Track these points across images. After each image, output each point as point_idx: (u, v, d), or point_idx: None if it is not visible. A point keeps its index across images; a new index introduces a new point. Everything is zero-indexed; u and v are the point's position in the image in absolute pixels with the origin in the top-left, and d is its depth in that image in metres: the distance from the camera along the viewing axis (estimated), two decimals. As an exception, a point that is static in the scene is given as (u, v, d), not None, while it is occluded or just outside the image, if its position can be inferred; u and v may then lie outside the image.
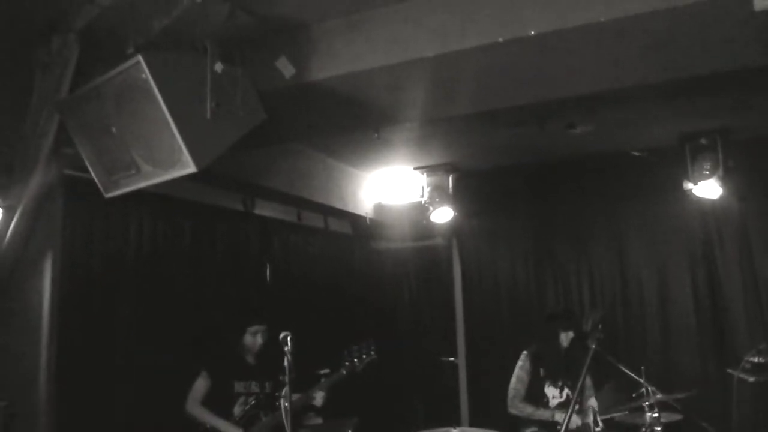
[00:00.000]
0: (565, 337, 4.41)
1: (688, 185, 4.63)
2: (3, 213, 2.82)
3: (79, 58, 2.57)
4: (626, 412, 4.03)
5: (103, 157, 2.70)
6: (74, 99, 2.61)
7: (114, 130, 2.55)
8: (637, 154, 4.99)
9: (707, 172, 4.47)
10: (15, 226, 2.92)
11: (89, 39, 2.51)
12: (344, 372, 3.85)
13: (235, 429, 3.68)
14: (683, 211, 5.12)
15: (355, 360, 3.89)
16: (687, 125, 4.53)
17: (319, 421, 4.84)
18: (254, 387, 3.89)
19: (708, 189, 4.59)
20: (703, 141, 4.56)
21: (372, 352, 3.96)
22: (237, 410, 3.79)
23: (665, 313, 5.34)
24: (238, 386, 3.83)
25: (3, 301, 3.10)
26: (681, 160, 4.66)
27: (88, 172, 2.83)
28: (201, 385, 3.75)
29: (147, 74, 2.29)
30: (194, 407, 3.72)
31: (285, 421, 3.24)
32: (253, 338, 3.89)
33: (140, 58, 2.27)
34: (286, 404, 3.22)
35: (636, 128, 4.57)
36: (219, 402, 3.76)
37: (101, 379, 3.54)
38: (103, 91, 2.48)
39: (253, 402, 3.84)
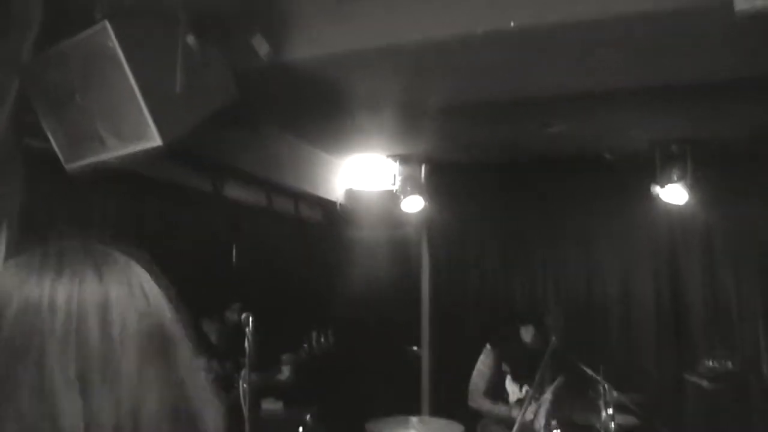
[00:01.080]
0: (526, 333, 4.45)
1: (656, 190, 4.69)
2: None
3: (43, 22, 2.47)
4: (581, 410, 4.09)
5: (66, 127, 2.60)
6: (36, 64, 2.50)
7: (78, 98, 2.46)
8: (608, 156, 5.04)
9: (675, 178, 4.53)
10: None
11: (54, 2, 2.41)
12: (303, 354, 3.86)
13: None
14: (650, 215, 5.19)
15: (314, 344, 3.90)
16: (659, 131, 4.57)
17: (278, 406, 4.82)
18: (215, 365, 3.85)
19: (675, 194, 4.65)
20: (674, 148, 4.62)
21: (330, 338, 3.96)
22: None
23: (627, 314, 5.43)
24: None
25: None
26: (651, 165, 4.71)
27: (49, 142, 2.74)
28: None
29: (114, 41, 2.21)
30: None
31: (242, 403, 3.21)
32: (235, 315, 3.85)
33: (107, 23, 2.18)
34: (245, 385, 3.19)
35: (609, 131, 4.61)
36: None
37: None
38: (67, 56, 2.38)
39: (212, 379, 3.81)
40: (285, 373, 3.85)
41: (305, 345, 3.92)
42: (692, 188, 4.60)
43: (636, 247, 5.43)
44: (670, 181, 4.57)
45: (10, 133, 2.79)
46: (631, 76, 2.89)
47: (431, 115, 4.12)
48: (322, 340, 3.97)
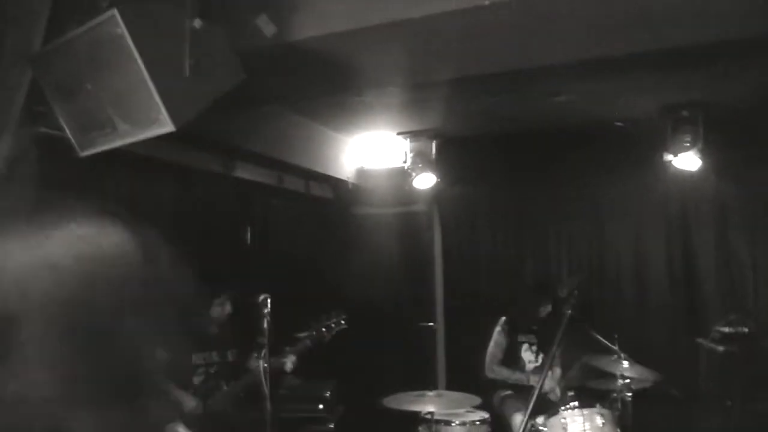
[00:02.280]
0: (544, 309, 4.51)
1: (668, 157, 4.66)
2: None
3: (51, 11, 2.48)
4: (597, 378, 4.13)
5: (78, 115, 2.63)
6: (47, 54, 2.52)
7: (89, 86, 2.48)
8: (618, 124, 5.00)
9: (687, 144, 4.50)
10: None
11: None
12: (309, 342, 3.83)
13: (190, 400, 3.66)
14: (662, 184, 5.16)
15: (323, 329, 3.88)
16: (669, 97, 4.53)
17: (297, 383, 4.90)
18: (214, 357, 3.86)
19: (687, 161, 4.62)
20: (685, 113, 4.57)
21: (342, 322, 3.94)
22: (196, 381, 3.78)
23: (640, 283, 5.44)
24: (196, 358, 3.81)
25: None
26: (662, 132, 4.68)
27: (63, 130, 2.77)
28: (160, 356, 3.73)
29: (122, 28, 2.22)
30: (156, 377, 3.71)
31: (263, 382, 3.27)
32: (221, 309, 3.84)
33: (115, 11, 2.19)
34: (265, 365, 3.25)
35: (618, 99, 4.57)
36: (179, 374, 3.73)
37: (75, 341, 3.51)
38: (76, 45, 2.40)
39: (212, 372, 3.82)
40: (288, 362, 3.80)
41: (314, 332, 3.90)
42: (704, 154, 4.57)
43: (648, 215, 5.42)
44: (682, 148, 4.54)
45: (24, 123, 2.83)
46: (639, 39, 2.85)
47: (440, 89, 4.10)
48: (333, 326, 3.95)
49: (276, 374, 3.85)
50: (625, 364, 3.96)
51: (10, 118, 2.77)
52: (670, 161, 4.66)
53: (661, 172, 4.84)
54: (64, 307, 0.84)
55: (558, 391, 4.21)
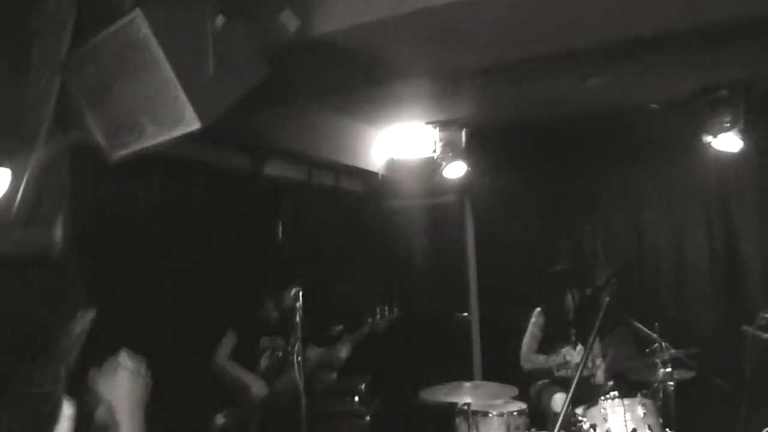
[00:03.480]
0: (572, 294, 4.45)
1: (707, 138, 4.52)
2: (12, 177, 2.80)
3: (76, 18, 2.51)
4: (638, 368, 4.05)
5: (107, 119, 2.65)
6: (73, 60, 2.55)
7: (116, 89, 2.50)
8: (654, 106, 4.86)
9: (727, 125, 4.35)
10: (24, 190, 2.92)
11: (86, -3, 2.45)
12: (367, 329, 3.95)
13: (257, 381, 3.82)
14: (701, 166, 5.01)
15: (378, 318, 3.98)
16: (706, 76, 4.38)
17: (333, 376, 4.92)
18: (279, 341, 3.99)
19: (727, 142, 4.47)
20: (724, 93, 4.42)
21: (395, 311, 4.02)
22: (263, 363, 3.93)
23: (680, 270, 5.30)
24: (264, 341, 3.95)
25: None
26: (700, 114, 4.53)
27: (93, 135, 2.80)
28: (229, 340, 3.90)
29: (147, 29, 2.23)
30: (222, 360, 3.87)
31: (299, 376, 3.30)
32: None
33: (139, 11, 2.20)
34: (299, 359, 3.28)
35: (653, 80, 4.43)
36: (246, 356, 3.89)
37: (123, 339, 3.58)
38: (102, 49, 2.42)
39: (279, 355, 3.95)
40: (344, 351, 3.95)
41: (370, 320, 4.01)
42: (745, 135, 4.41)
43: (687, 200, 5.27)
44: (722, 129, 4.39)
45: (56, 129, 2.88)
46: (674, 16, 2.75)
47: (468, 77, 4.04)
48: (387, 315, 4.05)
49: (329, 364, 3.98)
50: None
51: (41, 125, 2.82)
52: (710, 143, 4.51)
53: (700, 155, 4.70)
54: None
55: (601, 377, 4.13)
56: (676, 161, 5.13)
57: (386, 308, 4.07)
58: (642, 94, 4.75)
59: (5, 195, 2.77)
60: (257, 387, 3.82)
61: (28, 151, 2.84)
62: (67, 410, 1.49)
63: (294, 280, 3.82)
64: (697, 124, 4.53)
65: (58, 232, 3.09)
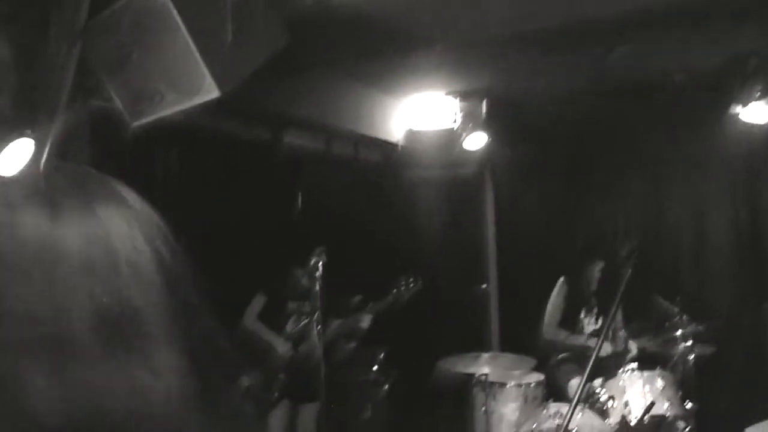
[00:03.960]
0: (596, 268, 4.42)
1: (735, 109, 4.40)
2: (34, 145, 2.83)
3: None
4: (658, 341, 4.02)
5: (127, 86, 2.65)
6: (92, 28, 2.55)
7: (135, 57, 2.49)
8: (679, 77, 4.74)
9: (758, 94, 4.23)
10: (46, 159, 2.94)
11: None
12: (391, 299, 3.98)
13: (283, 344, 3.88)
14: (727, 139, 4.89)
15: (402, 289, 4.00)
16: (735, 45, 4.25)
17: (352, 346, 4.96)
18: (307, 307, 4.02)
19: (757, 113, 4.35)
20: (754, 61, 4.29)
21: (418, 282, 4.03)
22: (289, 327, 3.99)
23: (703, 245, 5.23)
24: (292, 305, 4.00)
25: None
26: (728, 84, 4.41)
27: (113, 102, 2.81)
28: (258, 302, 3.95)
29: (165, -3, 2.21)
30: (250, 322, 3.93)
31: (318, 345, 3.34)
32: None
33: (157, -21, 2.19)
34: (319, 327, 3.32)
35: (678, 52, 4.31)
36: (273, 319, 3.95)
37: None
38: (121, 17, 2.41)
39: (305, 321, 3.99)
40: (365, 321, 3.98)
41: (394, 290, 4.03)
42: (775, 104, 4.29)
43: (712, 173, 5.17)
44: (752, 99, 4.27)
45: (76, 99, 2.89)
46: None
47: (489, 46, 3.97)
48: (411, 286, 4.07)
49: (352, 333, 4.03)
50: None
51: (62, 93, 2.83)
52: (738, 114, 4.39)
53: (726, 127, 4.58)
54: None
55: (633, 348, 4.11)
56: (701, 133, 5.01)
57: (410, 280, 4.08)
58: (668, 65, 4.63)
59: (27, 165, 2.81)
60: (282, 347, 3.89)
61: (50, 121, 2.87)
62: None
63: (315, 250, 3.85)
64: (724, 95, 4.42)
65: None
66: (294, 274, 4.07)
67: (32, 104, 2.83)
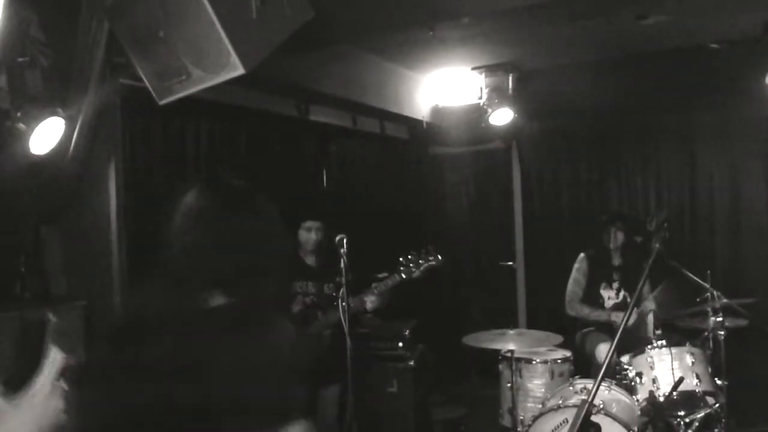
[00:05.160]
0: (616, 238, 4.37)
1: (772, 78, 4.28)
2: (65, 124, 2.88)
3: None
4: (687, 316, 3.97)
5: (154, 64, 2.68)
6: (120, 5, 2.57)
7: (162, 34, 2.51)
8: (714, 46, 4.60)
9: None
10: (77, 137, 3.00)
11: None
12: (399, 278, 3.82)
13: (287, 324, 3.81)
14: (761, 109, 4.77)
15: (412, 266, 3.85)
16: (773, 11, 4.11)
17: (377, 322, 4.99)
18: (311, 288, 3.99)
19: (793, 82, 4.22)
20: (791, 29, 4.15)
21: (431, 259, 3.88)
22: (294, 309, 3.94)
23: (736, 218, 5.13)
24: (296, 286, 3.95)
25: (73, 208, 3.26)
26: (764, 52, 4.28)
27: (142, 80, 2.84)
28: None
29: (190, -27, 2.22)
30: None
31: (343, 321, 3.34)
32: (308, 234, 3.89)
33: (182, -44, 2.19)
34: (344, 304, 3.31)
35: (714, 17, 4.19)
36: (279, 300, 3.91)
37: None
38: (147, -6, 2.43)
39: (309, 301, 3.96)
40: (369, 304, 3.80)
41: (402, 268, 3.87)
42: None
43: (746, 146, 5.04)
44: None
45: (105, 75, 2.93)
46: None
47: (516, 18, 3.90)
48: (421, 262, 3.90)
49: (358, 312, 3.92)
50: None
51: (92, 71, 2.87)
52: (774, 84, 4.27)
53: (761, 97, 4.46)
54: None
55: (649, 328, 4.06)
56: (737, 105, 4.89)
57: (422, 257, 3.90)
58: (701, 33, 4.51)
59: (59, 142, 2.86)
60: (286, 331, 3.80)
61: (81, 98, 2.92)
62: None
63: (337, 226, 3.82)
64: (760, 65, 4.29)
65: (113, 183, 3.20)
66: (296, 254, 3.92)
67: (63, 83, 2.88)
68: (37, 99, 2.66)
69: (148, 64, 2.69)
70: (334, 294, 3.98)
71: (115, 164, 3.20)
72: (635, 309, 4.02)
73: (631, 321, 4.12)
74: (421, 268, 3.85)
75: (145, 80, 2.79)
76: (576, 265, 4.54)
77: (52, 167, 2.98)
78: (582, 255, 4.55)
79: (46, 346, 1.51)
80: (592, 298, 4.45)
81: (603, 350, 4.09)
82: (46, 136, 2.76)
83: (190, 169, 3.91)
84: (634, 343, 3.89)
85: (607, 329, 4.27)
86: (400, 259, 3.84)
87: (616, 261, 4.49)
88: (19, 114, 2.63)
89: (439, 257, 3.87)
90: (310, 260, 4.00)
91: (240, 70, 2.37)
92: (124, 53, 2.80)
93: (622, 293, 4.45)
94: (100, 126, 3.06)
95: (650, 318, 4.05)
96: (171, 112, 3.24)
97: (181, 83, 2.66)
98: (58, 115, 2.75)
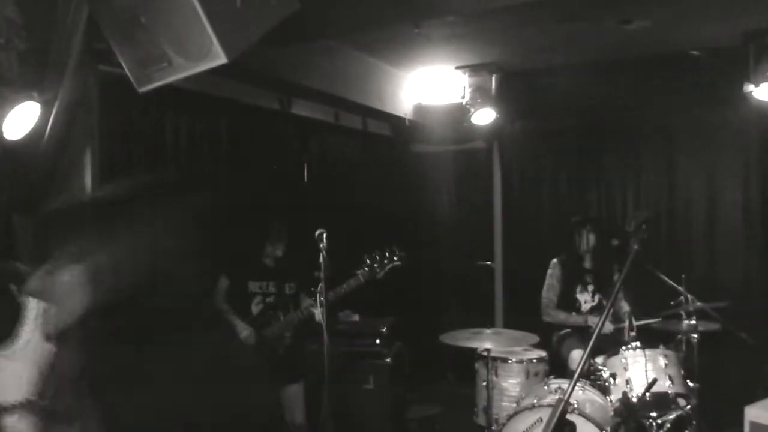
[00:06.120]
0: (588, 241, 4.40)
1: (749, 87, 4.34)
2: (41, 109, 2.81)
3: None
4: (660, 319, 4.02)
5: (135, 51, 2.62)
6: (101, -12, 2.51)
7: (143, 20, 2.46)
8: (695, 53, 4.66)
9: (773, 72, 4.16)
10: (53, 122, 2.93)
11: None
12: (360, 280, 3.81)
13: (245, 329, 3.79)
14: (741, 117, 4.85)
15: (376, 266, 3.84)
16: (753, 21, 4.17)
17: (355, 318, 4.98)
18: (271, 288, 3.95)
19: (770, 92, 4.29)
20: (771, 38, 4.21)
21: (395, 259, 3.87)
22: (254, 309, 3.90)
23: (712, 222, 5.20)
24: (253, 286, 3.90)
25: (48, 196, 3.18)
26: (743, 61, 4.34)
27: (122, 67, 2.78)
28: (222, 283, 3.88)
29: (173, -42, 2.17)
30: (218, 303, 3.87)
31: (321, 316, 3.32)
32: (273, 249, 3.95)
33: (165, -60, 2.15)
34: (322, 299, 3.29)
35: (696, 25, 4.24)
36: (237, 301, 3.87)
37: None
38: (129, -22, 2.37)
39: (270, 302, 3.92)
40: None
41: (366, 269, 3.82)
42: (790, 85, 4.22)
43: (724, 152, 5.12)
44: (765, 78, 4.20)
45: (85, 61, 2.86)
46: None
47: (501, 18, 3.91)
48: (385, 262, 3.86)
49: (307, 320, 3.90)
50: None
51: (70, 56, 2.80)
52: (751, 92, 4.34)
53: (741, 104, 4.52)
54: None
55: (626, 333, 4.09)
56: (716, 111, 4.96)
57: (385, 257, 3.87)
58: (683, 40, 4.56)
59: (34, 128, 2.80)
60: (245, 334, 3.77)
61: (57, 84, 2.85)
62: None
63: (316, 221, 3.79)
64: (739, 72, 4.35)
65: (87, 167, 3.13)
66: (255, 255, 3.94)
67: (39, 67, 2.80)
68: (12, 82, 2.59)
69: (129, 51, 2.63)
70: (294, 293, 3.97)
71: (91, 152, 3.13)
72: (610, 313, 4.06)
73: (608, 329, 4.14)
74: (386, 269, 3.84)
75: (125, 67, 2.73)
76: (549, 271, 4.55)
77: (26, 153, 2.91)
78: (554, 260, 4.56)
79: (23, 297, 1.54)
80: (568, 302, 4.46)
81: (576, 356, 4.12)
82: (20, 120, 2.69)
83: (169, 160, 3.86)
84: (609, 344, 3.92)
85: (583, 332, 4.30)
86: (366, 259, 3.83)
87: (589, 264, 4.50)
88: (-6, 97, 2.56)
89: (403, 255, 3.86)
90: (269, 261, 3.96)
91: (222, 59, 2.33)
92: (104, 39, 2.74)
93: (597, 296, 4.47)
94: (77, 113, 2.99)
95: (626, 321, 4.09)
96: (150, 101, 3.18)
97: (161, 71, 2.61)
98: (34, 100, 2.68)
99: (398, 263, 3.86)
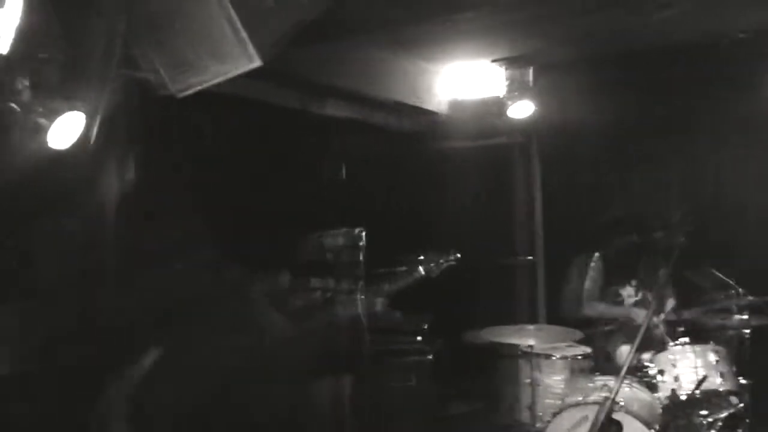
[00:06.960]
0: (630, 234, 4.33)
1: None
2: (84, 119, 2.88)
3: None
4: (709, 313, 3.91)
5: (171, 55, 2.67)
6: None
7: (178, 26, 2.51)
8: (743, 35, 4.49)
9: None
10: (97, 131, 3.01)
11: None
12: (418, 275, 3.84)
13: (285, 321, 3.81)
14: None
15: (432, 264, 3.88)
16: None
17: (396, 315, 4.98)
18: (331, 284, 3.98)
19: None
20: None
21: (451, 258, 3.92)
22: (312, 304, 3.95)
23: (762, 212, 5.01)
24: (315, 282, 3.95)
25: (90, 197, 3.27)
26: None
27: (159, 72, 2.83)
28: (283, 279, 3.92)
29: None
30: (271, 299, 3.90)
31: (360, 314, 3.34)
32: (334, 240, 3.92)
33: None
34: (362, 296, 3.31)
35: (738, 8, 4.08)
36: (296, 296, 3.90)
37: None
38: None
39: (329, 297, 3.96)
40: (378, 306, 3.77)
41: (422, 267, 3.88)
42: None
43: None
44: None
45: (122, 67, 2.93)
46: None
47: (535, 9, 3.84)
48: (441, 261, 3.91)
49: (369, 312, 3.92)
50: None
51: (110, 66, 2.87)
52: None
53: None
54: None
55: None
56: (762, 96, 4.77)
57: (441, 257, 3.90)
58: (724, 24, 4.39)
59: (80, 137, 2.87)
60: (282, 325, 3.79)
61: (100, 93, 2.92)
62: None
63: (345, 221, 3.81)
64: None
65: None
66: (316, 251, 3.97)
67: (81, 77, 2.88)
68: (54, 94, 2.66)
69: (165, 56, 2.68)
70: (351, 289, 3.99)
71: (133, 159, 3.21)
72: (657, 306, 3.95)
73: (654, 320, 4.04)
74: (441, 267, 3.88)
75: (161, 72, 2.78)
76: (592, 264, 4.49)
77: (71, 163, 2.99)
78: (597, 254, 4.50)
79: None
80: (610, 296, 4.40)
81: (624, 351, 4.03)
82: (65, 130, 2.76)
83: (206, 164, 3.91)
84: (656, 340, 3.83)
85: (629, 327, 4.20)
86: (420, 257, 3.86)
87: (633, 258, 4.41)
88: (40, 109, 2.64)
89: (458, 255, 3.89)
90: (330, 256, 3.99)
91: (257, 62, 2.37)
92: (140, 46, 2.79)
93: (641, 291, 4.37)
94: (118, 119, 3.07)
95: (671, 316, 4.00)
96: (186, 105, 3.23)
97: (197, 75, 2.65)
98: (77, 109, 2.75)
99: (453, 262, 3.91)
